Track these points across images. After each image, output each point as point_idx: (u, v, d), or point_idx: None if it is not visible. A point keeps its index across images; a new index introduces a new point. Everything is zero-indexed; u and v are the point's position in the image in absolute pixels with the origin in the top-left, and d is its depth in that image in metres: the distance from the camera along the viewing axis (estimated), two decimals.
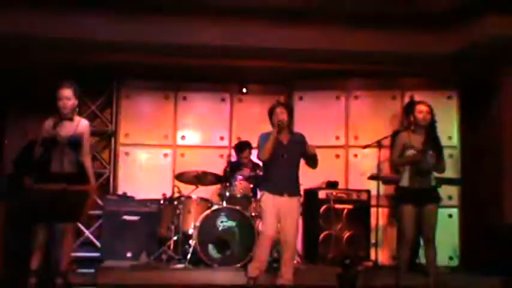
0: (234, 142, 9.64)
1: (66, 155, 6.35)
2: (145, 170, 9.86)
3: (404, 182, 6.91)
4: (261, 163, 7.37)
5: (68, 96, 6.41)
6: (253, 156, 8.61)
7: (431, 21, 8.17)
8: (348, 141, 9.77)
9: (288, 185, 6.75)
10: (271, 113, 6.86)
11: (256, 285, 6.65)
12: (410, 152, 6.81)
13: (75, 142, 6.40)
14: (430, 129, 6.88)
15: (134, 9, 8.00)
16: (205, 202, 8.49)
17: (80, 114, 8.97)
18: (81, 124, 6.58)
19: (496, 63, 8.51)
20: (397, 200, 7.23)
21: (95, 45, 8.33)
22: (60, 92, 6.41)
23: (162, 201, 8.72)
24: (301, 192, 7.15)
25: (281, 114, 6.76)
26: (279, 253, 7.25)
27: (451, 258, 9.16)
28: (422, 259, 7.70)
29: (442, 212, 8.40)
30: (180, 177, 8.82)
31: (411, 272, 7.19)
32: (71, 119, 6.48)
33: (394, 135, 8.28)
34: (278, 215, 6.69)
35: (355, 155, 9.66)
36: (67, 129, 6.41)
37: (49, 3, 7.77)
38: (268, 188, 6.76)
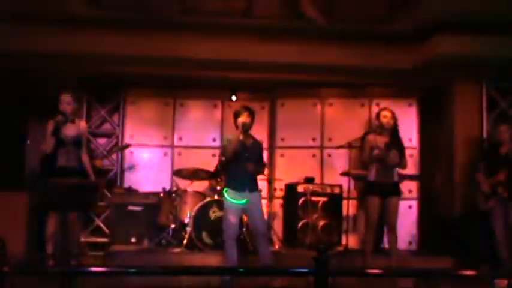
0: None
1: (70, 152, 6.49)
2: (147, 166, 9.84)
3: (371, 176, 7.00)
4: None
5: (67, 101, 6.51)
6: None
7: (395, 40, 8.26)
8: (323, 142, 9.74)
9: (249, 183, 6.57)
10: (236, 116, 6.68)
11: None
12: (376, 152, 6.93)
13: (78, 141, 6.55)
14: (393, 132, 6.98)
15: (139, 28, 8.05)
16: (199, 195, 8.53)
17: (91, 118, 9.13)
18: (82, 125, 6.73)
19: (449, 76, 8.57)
20: (364, 192, 7.34)
21: (105, 58, 8.38)
22: (61, 98, 6.50)
23: (162, 194, 8.73)
24: (260, 188, 6.93)
25: (246, 117, 6.61)
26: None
27: (410, 242, 9.23)
28: (385, 244, 7.87)
29: (403, 204, 8.57)
30: (177, 173, 8.87)
31: (376, 255, 7.24)
32: (73, 121, 6.58)
33: (364, 137, 8.43)
34: (242, 211, 6.67)
35: (329, 155, 9.64)
36: (71, 130, 6.53)
37: (66, 24, 7.84)
38: (231, 186, 6.59)
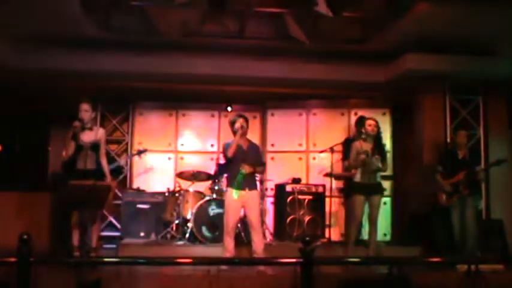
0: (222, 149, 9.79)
1: (88, 156, 6.41)
2: (154, 169, 9.87)
3: (357, 178, 7.03)
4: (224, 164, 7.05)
5: (86, 109, 6.48)
6: None
7: (370, 58, 8.33)
8: (308, 147, 9.74)
9: (247, 182, 6.52)
10: (232, 123, 6.67)
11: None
12: (361, 156, 6.93)
13: (95, 146, 6.50)
14: (377, 139, 7.04)
15: (146, 48, 8.10)
16: (200, 194, 8.50)
17: (103, 127, 9.12)
18: (99, 132, 6.65)
19: (417, 89, 8.63)
20: (350, 191, 7.31)
21: (117, 75, 8.45)
22: (81, 106, 6.47)
23: (166, 194, 8.72)
24: (259, 186, 7.00)
25: (242, 122, 6.59)
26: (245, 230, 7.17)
27: (385, 234, 9.24)
28: (364, 236, 7.90)
29: None
30: (180, 175, 8.88)
31: (356, 246, 7.26)
32: (90, 128, 6.54)
33: (346, 143, 8.47)
34: (241, 207, 6.59)
35: (314, 158, 9.64)
36: (89, 136, 6.48)
37: (82, 45, 7.90)
38: (232, 185, 6.53)
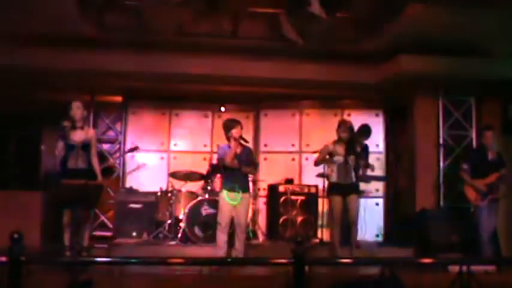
0: (215, 149, 9.76)
1: (79, 156, 6.42)
2: (146, 169, 9.82)
3: (333, 178, 7.09)
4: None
5: (77, 106, 6.50)
6: None
7: (363, 59, 8.30)
8: (301, 147, 9.76)
9: (240, 185, 6.66)
10: (229, 128, 6.70)
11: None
12: (336, 158, 7.00)
13: (86, 145, 6.49)
14: (349, 140, 7.03)
15: (140, 48, 8.04)
16: (192, 194, 8.50)
17: (96, 126, 9.11)
18: (90, 132, 6.68)
19: (409, 89, 8.64)
20: (328, 192, 7.35)
21: (110, 74, 8.37)
22: (72, 104, 6.50)
23: (159, 193, 8.73)
24: (251, 189, 7.13)
25: (239, 130, 6.67)
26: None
27: (377, 235, 9.24)
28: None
29: (371, 201, 8.66)
30: (173, 175, 8.87)
31: (346, 246, 7.17)
32: (81, 128, 6.54)
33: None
34: (233, 207, 6.66)
35: (307, 158, 9.58)
36: (79, 136, 6.48)
37: (77, 44, 7.83)
38: (226, 187, 6.67)
